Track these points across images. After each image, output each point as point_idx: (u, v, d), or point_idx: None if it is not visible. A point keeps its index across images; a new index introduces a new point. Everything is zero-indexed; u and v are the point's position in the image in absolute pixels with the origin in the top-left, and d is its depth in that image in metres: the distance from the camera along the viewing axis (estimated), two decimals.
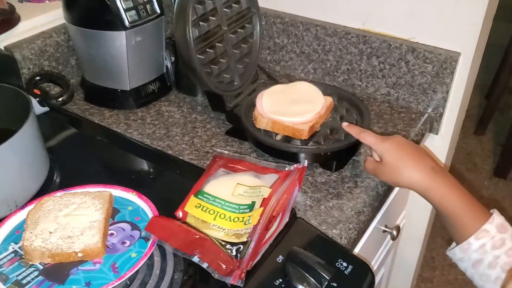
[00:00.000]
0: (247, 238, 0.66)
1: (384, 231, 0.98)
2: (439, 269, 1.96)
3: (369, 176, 0.84)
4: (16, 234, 0.68)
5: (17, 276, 0.62)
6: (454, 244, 0.76)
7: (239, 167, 0.80)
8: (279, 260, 0.66)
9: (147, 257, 0.64)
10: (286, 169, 0.79)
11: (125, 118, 0.99)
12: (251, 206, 0.71)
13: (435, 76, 0.99)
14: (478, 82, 1.13)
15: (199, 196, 0.72)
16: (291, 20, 1.10)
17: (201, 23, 0.89)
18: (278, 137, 0.89)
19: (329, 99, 0.93)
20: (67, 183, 0.77)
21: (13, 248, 0.66)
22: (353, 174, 0.85)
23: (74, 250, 0.64)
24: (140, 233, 0.68)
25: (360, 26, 1.05)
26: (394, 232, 0.98)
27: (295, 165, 0.78)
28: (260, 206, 0.70)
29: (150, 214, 0.71)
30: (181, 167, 0.87)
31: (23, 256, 0.65)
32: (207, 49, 0.91)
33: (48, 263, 0.64)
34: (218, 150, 0.88)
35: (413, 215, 1.20)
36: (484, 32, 0.96)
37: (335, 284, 0.63)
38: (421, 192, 0.75)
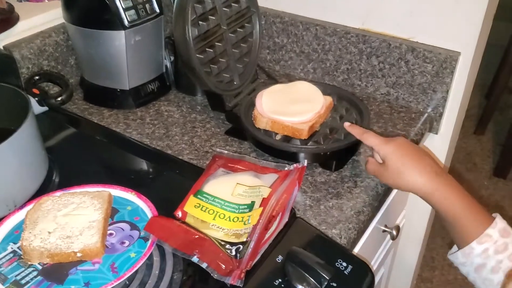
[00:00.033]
0: (247, 238, 0.66)
1: (384, 231, 0.98)
2: (438, 269, 1.96)
3: (368, 176, 0.84)
4: (15, 234, 0.68)
5: (16, 276, 0.62)
6: (455, 247, 0.76)
7: (238, 166, 0.80)
8: (278, 260, 0.66)
9: (146, 257, 0.64)
10: (286, 168, 0.79)
11: (124, 118, 0.99)
12: (250, 206, 0.71)
13: (435, 76, 0.99)
14: (478, 81, 1.13)
15: (199, 196, 0.72)
16: (290, 20, 1.10)
17: (200, 22, 0.89)
18: (278, 137, 0.89)
19: (329, 99, 0.92)
20: (66, 183, 0.77)
21: (11, 248, 0.66)
22: (352, 174, 0.85)
23: (73, 250, 0.63)
24: (139, 233, 0.68)
25: (359, 25, 1.05)
26: (394, 232, 0.98)
27: (294, 165, 0.78)
28: (260, 206, 0.70)
29: (149, 214, 0.71)
30: (180, 167, 0.86)
31: (22, 256, 0.64)
32: (207, 49, 0.91)
33: (47, 263, 0.64)
34: (218, 149, 0.87)
35: (413, 215, 1.20)
36: (484, 31, 0.96)
37: (334, 284, 0.63)
38: (424, 197, 0.74)
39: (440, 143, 1.09)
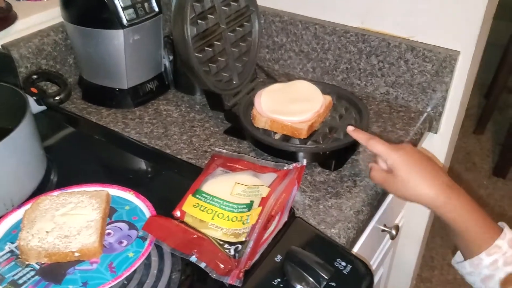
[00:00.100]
0: (246, 237, 0.66)
1: (383, 230, 0.98)
2: (438, 268, 1.96)
3: (367, 175, 0.84)
4: (13, 234, 0.68)
5: (13, 276, 0.62)
6: (459, 255, 0.75)
7: (237, 166, 0.80)
8: (277, 259, 0.66)
9: (144, 257, 0.64)
10: (285, 168, 0.78)
11: (123, 117, 0.99)
12: (249, 206, 0.70)
13: (435, 75, 0.99)
14: (477, 81, 1.13)
15: (197, 196, 0.72)
16: (290, 19, 1.10)
17: (199, 21, 0.88)
18: (277, 136, 0.88)
19: (328, 98, 0.92)
20: (64, 182, 0.77)
21: (9, 247, 0.66)
22: (352, 173, 0.85)
23: (71, 250, 0.63)
24: (138, 232, 0.68)
25: (359, 24, 1.04)
26: (393, 232, 0.98)
27: (293, 164, 0.78)
28: (259, 206, 0.70)
29: (147, 214, 0.70)
30: (179, 166, 0.86)
31: (19, 256, 0.64)
32: (205, 48, 0.91)
33: (44, 263, 0.64)
34: (217, 149, 0.87)
35: (412, 215, 1.20)
36: (483, 30, 0.95)
37: (333, 284, 0.62)
38: (433, 209, 0.72)
39: (439, 142, 1.08)
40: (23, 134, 0.74)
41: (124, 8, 0.92)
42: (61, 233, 0.65)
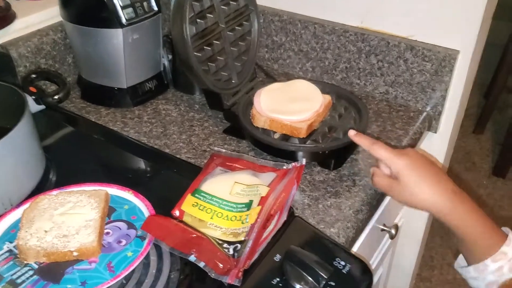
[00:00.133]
0: (245, 237, 0.66)
1: (383, 230, 0.98)
2: (437, 268, 1.96)
3: (367, 175, 0.84)
4: (11, 233, 0.68)
5: (11, 275, 0.61)
6: (461, 258, 0.74)
7: (236, 165, 0.80)
8: (276, 259, 0.66)
9: (143, 256, 0.63)
10: (284, 167, 0.78)
11: (122, 116, 0.98)
12: (248, 205, 0.70)
13: (434, 74, 0.98)
14: (476, 81, 1.13)
15: (196, 195, 0.72)
16: (289, 18, 1.10)
17: (198, 20, 0.88)
18: (276, 136, 0.88)
19: (328, 98, 0.92)
20: (63, 182, 0.76)
21: (7, 247, 0.66)
22: (351, 173, 0.85)
23: (70, 249, 0.63)
24: (136, 232, 0.67)
25: (358, 24, 1.04)
26: (393, 231, 0.98)
27: (293, 164, 0.78)
28: (258, 205, 0.70)
29: (146, 213, 0.70)
30: (178, 166, 0.86)
31: (18, 255, 0.64)
32: (205, 47, 0.91)
33: (43, 262, 0.63)
34: (216, 148, 0.87)
35: (411, 214, 1.20)
36: (483, 29, 0.95)
37: (333, 283, 0.62)
38: (439, 215, 0.70)
39: (439, 142, 1.08)
40: (22, 133, 0.73)
41: (123, 7, 0.91)
42: (60, 232, 0.65)
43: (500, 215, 2.15)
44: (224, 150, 0.84)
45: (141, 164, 0.90)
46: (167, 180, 0.85)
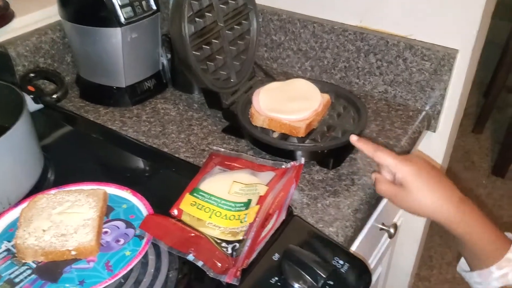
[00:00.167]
0: (243, 236, 0.66)
1: (382, 229, 0.98)
2: (436, 268, 1.96)
3: (366, 174, 0.84)
4: (9, 232, 0.68)
5: (9, 274, 0.61)
6: (463, 262, 0.74)
7: (235, 164, 0.80)
8: (275, 258, 0.65)
9: (141, 256, 0.63)
10: (283, 166, 0.78)
11: (121, 116, 0.98)
12: (247, 204, 0.70)
13: (433, 73, 0.98)
14: (476, 80, 1.13)
15: (195, 194, 0.71)
16: (288, 17, 1.09)
17: (197, 19, 0.88)
18: (275, 135, 0.88)
19: (326, 97, 0.92)
20: (61, 181, 0.76)
21: (5, 246, 0.65)
22: (350, 172, 0.85)
23: (68, 248, 0.63)
24: (135, 231, 0.67)
25: (357, 23, 1.04)
26: (392, 230, 0.97)
27: (292, 163, 0.78)
28: (257, 204, 0.70)
29: (144, 212, 0.70)
30: (176, 165, 0.86)
31: (16, 255, 0.64)
32: (203, 46, 0.90)
33: (41, 262, 0.63)
34: (215, 147, 0.87)
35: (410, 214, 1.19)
36: (482, 28, 0.95)
37: (331, 282, 0.62)
38: (446, 223, 0.69)
39: (438, 141, 1.08)
40: (20, 133, 0.73)
41: (122, 6, 0.91)
42: (58, 231, 0.65)
43: (500, 215, 2.15)
44: (222, 149, 0.84)
45: (140, 163, 0.90)
46: (165, 179, 0.85)
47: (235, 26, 0.97)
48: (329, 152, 0.83)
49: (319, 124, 0.89)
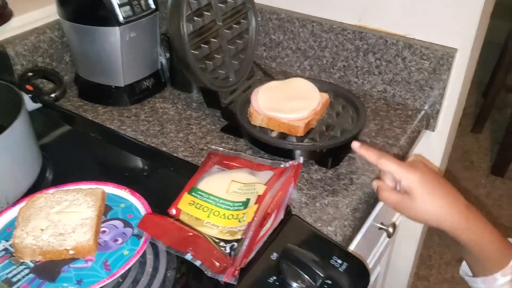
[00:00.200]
0: (241, 235, 0.66)
1: (380, 228, 0.98)
2: (435, 267, 1.96)
3: (364, 173, 0.84)
4: (7, 232, 0.67)
5: (7, 274, 0.61)
6: (465, 265, 0.74)
7: (234, 164, 0.80)
8: (273, 257, 0.65)
9: (139, 255, 0.63)
10: (282, 166, 0.78)
11: (119, 115, 0.98)
12: (245, 203, 0.70)
13: (432, 73, 0.98)
14: (475, 80, 1.13)
15: (193, 193, 0.71)
16: (287, 16, 1.09)
17: (195, 18, 0.88)
18: (274, 134, 0.88)
19: (325, 96, 0.92)
20: (59, 180, 0.76)
21: (3, 245, 0.65)
22: (348, 171, 0.85)
23: (66, 248, 0.63)
24: (133, 230, 0.67)
25: (356, 22, 1.04)
26: (390, 230, 0.97)
27: (290, 162, 0.78)
28: (255, 203, 0.70)
29: (142, 212, 0.70)
30: (175, 164, 0.86)
31: (13, 254, 0.64)
32: (202, 45, 0.90)
33: (39, 261, 0.63)
34: (213, 147, 0.87)
35: None
36: (481, 28, 0.95)
37: (329, 282, 0.62)
38: (451, 231, 0.68)
39: (437, 140, 1.08)
40: (18, 132, 0.73)
41: (120, 5, 0.91)
42: (56, 231, 0.65)
43: (499, 214, 2.15)
44: (221, 149, 0.84)
45: (138, 162, 0.90)
46: (164, 179, 0.85)
47: (234, 25, 0.97)
48: (327, 151, 0.83)
49: (317, 123, 0.89)
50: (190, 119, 0.98)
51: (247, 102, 0.91)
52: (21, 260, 0.63)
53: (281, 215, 0.72)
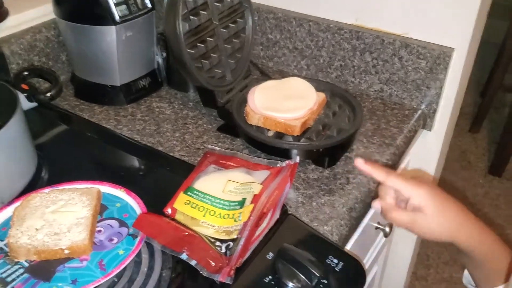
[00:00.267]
0: (237, 235, 0.66)
1: (377, 228, 0.98)
2: (433, 267, 1.96)
3: (361, 173, 0.83)
4: (2, 231, 0.67)
5: (1, 273, 0.61)
6: (467, 274, 0.73)
7: (230, 163, 0.80)
8: (269, 257, 0.65)
9: (134, 254, 0.63)
10: (278, 165, 0.78)
11: (115, 114, 0.98)
12: (241, 203, 0.70)
13: (429, 72, 0.98)
14: (473, 80, 1.13)
15: (189, 193, 0.71)
16: (284, 16, 1.09)
17: (191, 17, 0.88)
18: (270, 133, 0.88)
19: (322, 95, 0.92)
20: (55, 179, 0.76)
21: None
22: (345, 171, 0.84)
23: (61, 247, 0.63)
24: (128, 230, 0.67)
25: (353, 21, 1.04)
26: (387, 229, 0.97)
27: (287, 162, 0.78)
28: (251, 203, 0.69)
29: (138, 211, 0.70)
30: (171, 164, 0.85)
31: (8, 254, 0.63)
32: (198, 44, 0.90)
33: (34, 261, 0.63)
34: (210, 146, 0.87)
35: None
36: (478, 27, 0.95)
37: (325, 281, 0.62)
38: (467, 244, 0.65)
39: (433, 140, 1.08)
40: (13, 131, 0.73)
41: (116, 4, 0.91)
42: (51, 230, 0.65)
43: (497, 214, 2.15)
44: (217, 148, 0.83)
45: (134, 162, 0.90)
46: (160, 178, 0.84)
47: (230, 24, 0.97)
48: (324, 150, 0.83)
49: (314, 122, 0.89)
50: (187, 118, 0.97)
51: (244, 101, 0.91)
52: (16, 260, 0.63)
53: (277, 215, 0.72)
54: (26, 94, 0.91)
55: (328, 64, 1.09)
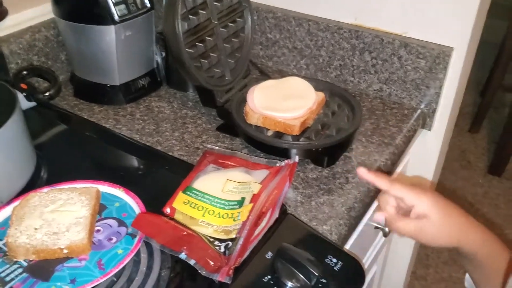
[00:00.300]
0: (236, 234, 0.65)
1: (376, 227, 0.97)
2: (433, 266, 1.96)
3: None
4: (1, 231, 0.67)
5: (0, 273, 0.61)
6: (468, 277, 0.73)
7: (229, 163, 0.80)
8: (268, 256, 0.65)
9: (133, 254, 0.63)
10: (277, 165, 0.78)
11: (114, 114, 0.98)
12: (240, 202, 0.70)
13: (428, 72, 0.98)
14: (472, 79, 1.13)
15: (188, 192, 0.71)
16: (283, 15, 1.09)
17: (190, 16, 0.88)
18: (269, 133, 0.88)
19: (321, 95, 0.92)
20: (54, 179, 0.76)
21: None
22: (344, 170, 0.84)
23: (59, 247, 0.62)
24: (127, 229, 0.67)
25: (352, 21, 1.04)
26: (386, 229, 0.97)
27: (286, 161, 0.77)
28: (250, 202, 0.69)
29: (137, 211, 0.70)
30: (170, 163, 0.85)
31: (7, 253, 0.63)
32: (197, 43, 0.90)
33: (32, 260, 0.63)
34: (209, 146, 0.87)
35: None
36: (477, 26, 0.95)
37: (324, 280, 0.62)
38: (473, 247, 0.66)
39: (433, 139, 1.08)
40: (12, 130, 0.73)
41: (115, 4, 0.91)
42: (50, 230, 0.65)
43: (496, 214, 2.15)
44: (217, 148, 0.83)
45: (133, 161, 0.90)
46: (159, 178, 0.84)
47: (230, 24, 0.97)
48: (323, 150, 0.83)
49: (313, 122, 0.89)
50: (186, 118, 0.97)
51: (243, 101, 0.91)
52: (15, 259, 0.63)
53: (276, 214, 0.71)
54: (25, 94, 0.92)
55: (327, 64, 1.09)
